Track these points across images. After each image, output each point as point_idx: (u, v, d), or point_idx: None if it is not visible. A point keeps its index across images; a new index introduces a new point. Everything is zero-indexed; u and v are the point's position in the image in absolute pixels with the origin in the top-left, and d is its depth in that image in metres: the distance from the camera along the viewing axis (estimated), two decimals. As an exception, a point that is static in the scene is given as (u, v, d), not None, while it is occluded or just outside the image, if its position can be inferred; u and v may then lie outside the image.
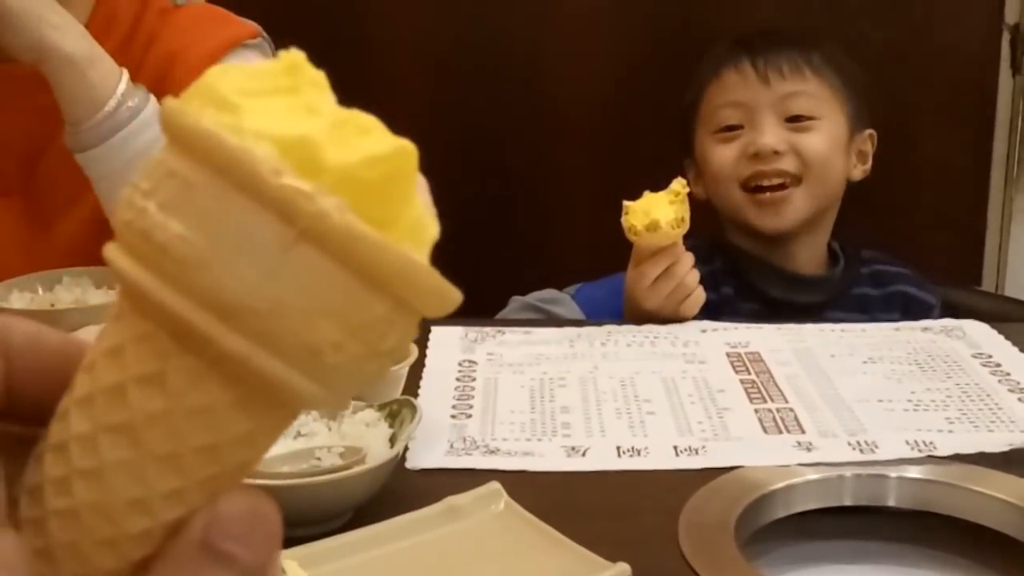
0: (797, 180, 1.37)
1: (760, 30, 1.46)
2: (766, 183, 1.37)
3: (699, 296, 1.22)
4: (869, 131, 1.44)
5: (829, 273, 1.44)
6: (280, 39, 1.43)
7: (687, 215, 1.18)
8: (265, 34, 1.42)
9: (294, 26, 1.83)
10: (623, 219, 1.18)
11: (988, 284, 1.93)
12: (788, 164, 1.36)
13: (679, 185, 1.19)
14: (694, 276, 1.22)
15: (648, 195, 1.19)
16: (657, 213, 1.16)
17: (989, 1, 1.88)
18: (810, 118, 1.37)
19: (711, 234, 1.46)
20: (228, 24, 1.38)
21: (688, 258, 1.22)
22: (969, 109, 1.91)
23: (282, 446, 0.81)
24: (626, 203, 1.19)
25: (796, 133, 1.36)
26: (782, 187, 1.37)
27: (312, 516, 0.75)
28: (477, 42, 1.90)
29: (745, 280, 1.41)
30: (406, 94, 1.93)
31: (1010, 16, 1.88)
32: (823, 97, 1.38)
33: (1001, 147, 1.92)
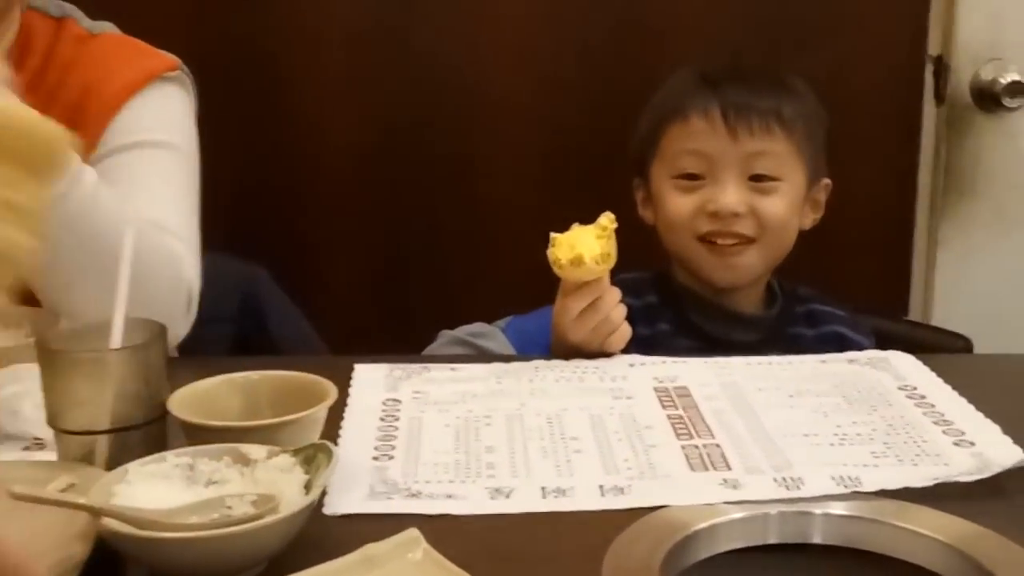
0: (751, 240, 1.36)
1: (730, 64, 1.43)
2: (721, 241, 1.36)
3: (625, 331, 1.21)
4: (825, 181, 1.44)
5: (766, 312, 1.43)
6: (196, 70, 1.41)
7: (613, 250, 1.17)
8: (185, 68, 1.39)
9: (215, 48, 1.80)
10: (549, 251, 1.17)
11: (915, 314, 1.94)
12: (746, 227, 1.35)
13: (607, 220, 1.18)
14: (620, 311, 1.21)
15: (576, 228, 1.18)
16: (582, 247, 1.15)
17: (912, 33, 1.91)
18: (773, 179, 1.36)
19: (654, 269, 1.45)
20: (147, 56, 1.35)
21: (614, 293, 1.21)
22: (894, 139, 1.93)
23: (192, 494, 0.78)
24: (553, 235, 1.18)
25: (757, 195, 1.35)
26: (736, 244, 1.36)
27: (223, 569, 0.73)
28: (406, 72, 1.89)
29: (683, 316, 1.41)
30: (330, 123, 1.91)
31: (933, 48, 1.91)
32: (787, 157, 1.37)
33: (926, 177, 1.94)
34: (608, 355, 1.19)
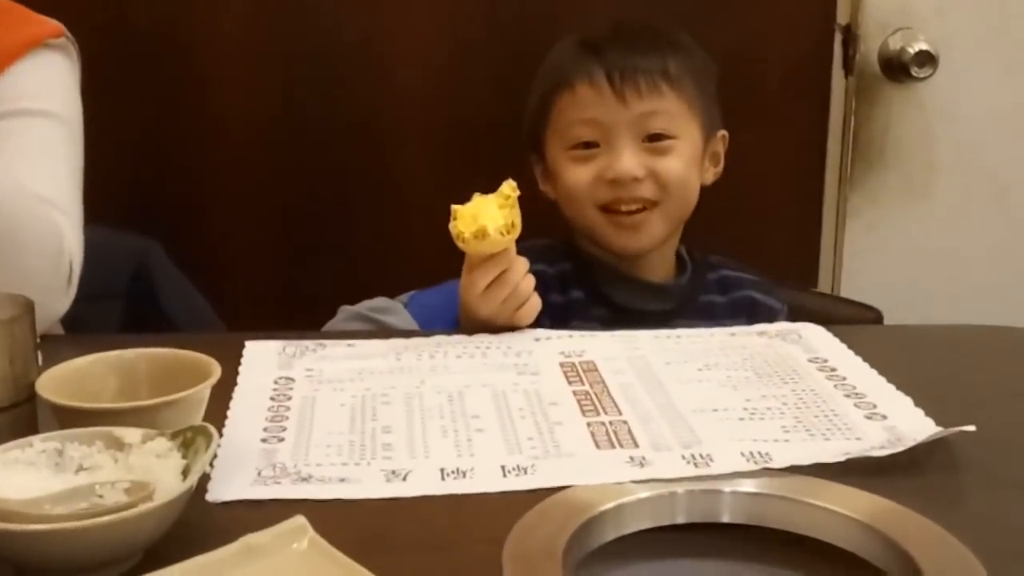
0: (654, 204, 1.34)
1: (611, 27, 1.39)
2: (624, 208, 1.33)
3: (534, 303, 1.17)
4: (722, 132, 1.42)
5: (676, 281, 1.41)
6: (88, 39, 1.34)
7: (518, 219, 1.13)
8: (69, 34, 1.32)
9: (117, 27, 1.73)
10: (451, 225, 1.12)
11: (824, 285, 1.94)
12: (646, 190, 1.33)
13: (509, 188, 1.13)
14: (529, 282, 1.17)
15: (477, 198, 1.13)
16: (485, 219, 1.11)
17: (821, 3, 1.89)
18: (668, 137, 1.33)
19: (564, 236, 1.42)
20: (29, 22, 1.29)
21: (521, 264, 1.16)
22: (804, 110, 1.92)
23: (60, 481, 0.72)
24: (454, 207, 1.13)
25: (654, 156, 1.33)
26: (639, 210, 1.33)
27: (92, 562, 0.67)
28: (308, 38, 1.83)
29: (594, 286, 1.37)
30: (237, 97, 1.84)
31: (842, 17, 1.89)
32: (680, 113, 1.34)
33: (835, 148, 1.93)
34: (516, 329, 1.15)
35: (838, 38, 1.90)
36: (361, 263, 1.87)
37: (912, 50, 1.85)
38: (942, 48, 1.86)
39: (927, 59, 1.85)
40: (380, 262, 1.87)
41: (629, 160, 1.31)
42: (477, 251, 1.13)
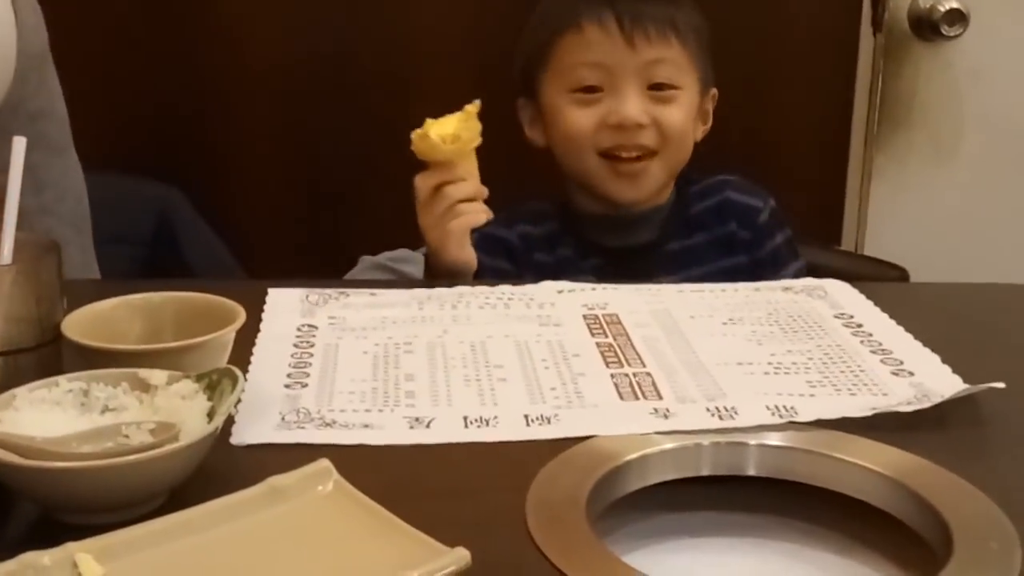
0: (654, 153, 1.33)
1: None
2: (624, 155, 1.32)
3: (468, 219, 1.17)
4: (713, 91, 1.41)
5: (657, 206, 1.39)
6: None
7: (470, 136, 1.14)
8: None
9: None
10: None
11: (848, 244, 1.92)
12: (648, 138, 1.32)
13: (471, 105, 1.14)
14: (471, 205, 1.17)
15: (446, 116, 1.16)
16: (434, 127, 1.13)
17: (851, -41, 1.87)
18: (672, 87, 1.32)
19: (555, 197, 1.40)
20: None
21: (468, 186, 1.17)
22: (830, 68, 1.90)
23: (85, 421, 0.72)
24: (426, 120, 1.15)
25: (657, 104, 1.32)
26: (639, 158, 1.33)
27: (118, 501, 0.67)
28: None
29: (584, 237, 1.37)
30: (262, 48, 1.83)
31: (871, -26, 1.87)
32: (683, 65, 1.33)
33: (861, 106, 1.91)
34: (453, 258, 1.18)
35: (868, -5, 1.87)
36: (383, 214, 1.86)
37: (943, 8, 1.83)
38: (973, 6, 1.83)
39: (957, 17, 1.82)
40: (401, 213, 1.87)
41: (634, 106, 1.30)
42: (420, 152, 1.15)
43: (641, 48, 1.30)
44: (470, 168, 1.17)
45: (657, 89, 1.32)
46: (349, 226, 1.88)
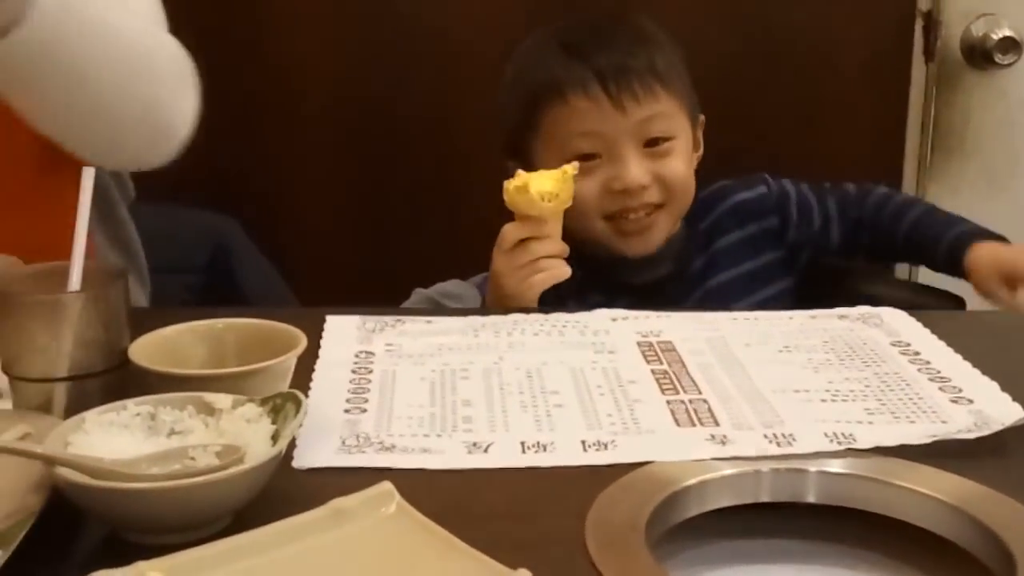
0: (659, 207, 1.33)
1: (587, 27, 1.36)
2: (632, 216, 1.33)
3: (540, 280, 1.18)
4: (701, 118, 1.40)
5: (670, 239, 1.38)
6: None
7: (566, 195, 1.16)
8: None
9: (190, 14, 1.74)
10: (505, 182, 1.17)
11: (902, 273, 1.91)
12: (653, 195, 1.32)
13: (569, 167, 1.17)
14: (552, 263, 1.18)
15: (541, 171, 1.18)
16: (533, 180, 1.15)
17: (902, -12, 1.87)
18: (667, 139, 1.32)
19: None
20: None
21: (553, 244, 1.18)
22: (882, 97, 1.89)
23: (152, 444, 0.74)
24: (518, 171, 1.19)
25: (656, 160, 1.31)
26: (647, 214, 1.33)
27: (184, 521, 0.69)
28: (385, 23, 1.84)
29: (610, 280, 1.36)
30: (315, 82, 1.86)
31: (923, 3, 1.86)
32: (674, 113, 1.33)
33: (914, 136, 1.91)
34: (522, 304, 1.18)
35: (919, 24, 1.87)
36: (434, 244, 1.88)
37: (996, 36, 1.82)
38: (1027, 35, 1.82)
39: (1011, 45, 1.82)
40: (452, 243, 1.88)
41: (635, 169, 1.29)
42: (514, 204, 1.17)
43: (631, 109, 1.29)
44: (556, 227, 1.19)
45: (653, 145, 1.31)
46: (400, 256, 1.90)
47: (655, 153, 1.31)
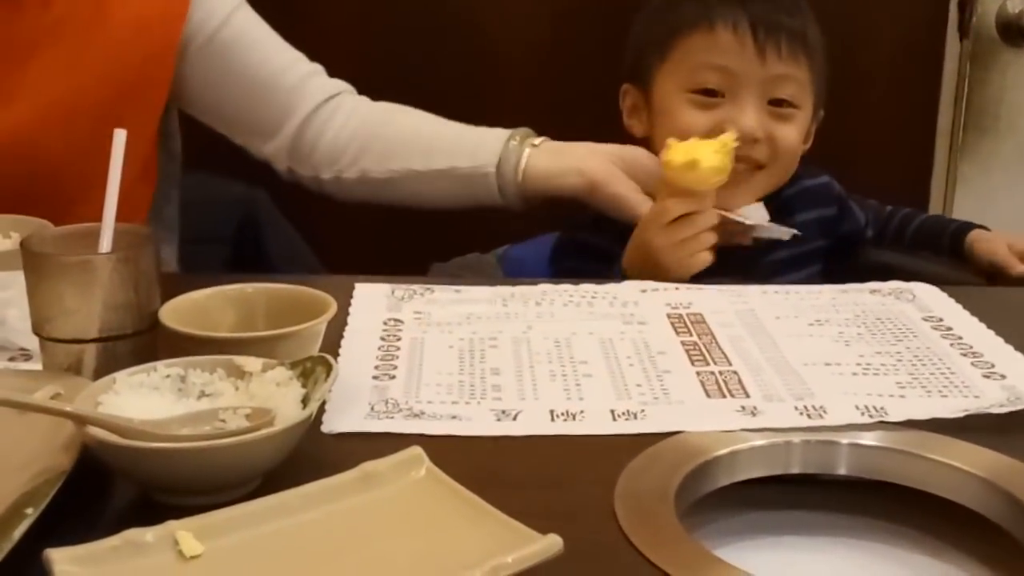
0: (761, 167, 1.30)
1: None
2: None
3: (706, 258, 1.17)
4: (821, 112, 1.38)
5: None
6: None
7: (728, 169, 1.15)
8: None
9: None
10: (663, 153, 1.15)
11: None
12: (760, 153, 1.29)
13: (728, 138, 1.16)
14: (712, 237, 1.17)
15: (695, 140, 1.16)
16: (700, 154, 1.12)
17: (937, -36, 1.84)
18: (792, 106, 1.30)
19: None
20: None
21: (712, 216, 1.17)
22: (916, 74, 1.87)
23: (183, 406, 0.74)
24: (670, 140, 1.16)
25: (774, 121, 1.29)
26: (746, 170, 1.29)
27: (214, 483, 0.69)
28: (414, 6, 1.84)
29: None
30: (338, 51, 1.85)
31: (958, -21, 1.84)
32: (806, 85, 1.31)
33: (947, 114, 1.88)
34: (679, 279, 1.15)
35: (955, 1, 1.85)
36: (459, 217, 1.87)
37: (1032, 13, 1.80)
38: (1063, 12, 1.80)
39: (1047, 23, 1.79)
40: (478, 217, 1.88)
41: (753, 119, 1.27)
42: (682, 182, 1.14)
43: (771, 62, 1.27)
44: (712, 202, 1.17)
45: (777, 105, 1.29)
46: (426, 227, 1.89)
47: (776, 114, 1.29)
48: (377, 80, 1.83)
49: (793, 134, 1.30)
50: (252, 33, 1.30)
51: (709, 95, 1.29)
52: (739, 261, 1.26)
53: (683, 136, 1.22)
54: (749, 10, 1.27)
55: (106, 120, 0.89)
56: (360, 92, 1.85)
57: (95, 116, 1.18)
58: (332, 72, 1.82)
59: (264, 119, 1.32)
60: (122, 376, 0.75)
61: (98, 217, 0.84)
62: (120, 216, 0.84)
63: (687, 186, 1.14)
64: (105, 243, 0.83)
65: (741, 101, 1.28)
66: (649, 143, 1.33)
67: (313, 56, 1.81)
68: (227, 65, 1.28)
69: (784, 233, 1.25)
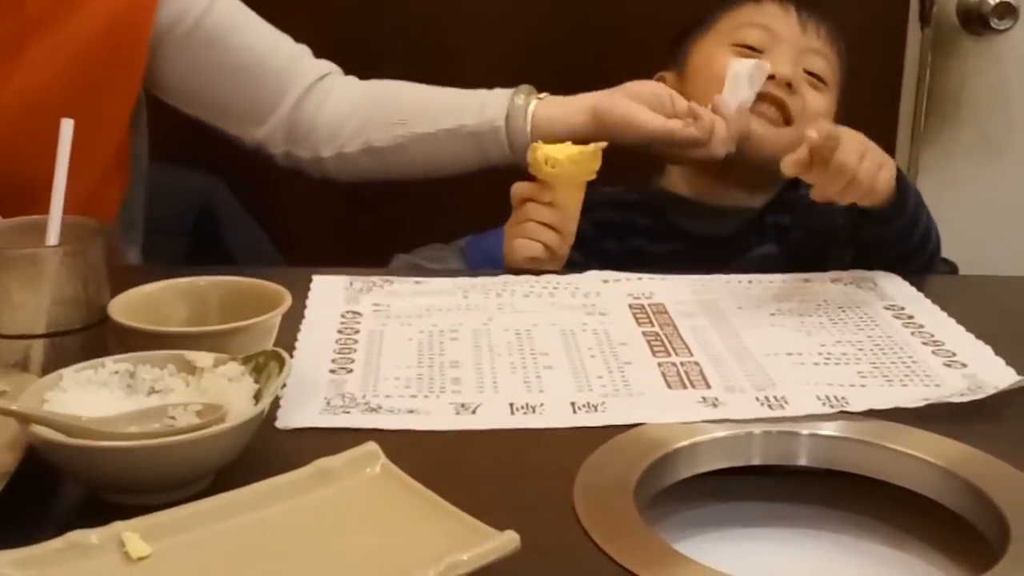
0: (789, 124, 1.27)
1: None
2: (764, 106, 1.27)
3: (527, 245, 1.14)
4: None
5: (747, 203, 1.34)
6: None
7: (577, 170, 1.12)
8: None
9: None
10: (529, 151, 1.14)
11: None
12: (793, 103, 1.27)
13: (595, 145, 1.12)
14: (542, 231, 1.14)
15: (567, 143, 1.14)
16: (552, 149, 1.12)
17: (898, -48, 1.84)
18: (822, 81, 1.30)
19: (644, 186, 1.37)
20: None
21: (546, 211, 1.14)
22: (877, 62, 1.87)
23: (132, 403, 0.72)
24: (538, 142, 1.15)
25: (808, 86, 1.29)
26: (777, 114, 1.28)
27: (164, 482, 0.67)
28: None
29: (664, 222, 1.32)
30: (300, 40, 1.83)
31: (919, -34, 1.84)
32: (833, 73, 1.32)
33: (908, 102, 1.88)
34: (510, 262, 1.15)
35: (915, -12, 1.84)
36: (421, 207, 1.85)
37: (992, 1, 1.79)
38: None
39: (1007, 11, 1.79)
40: (438, 207, 1.86)
41: (791, 66, 1.26)
42: (530, 162, 1.13)
43: (810, 35, 1.29)
44: (567, 201, 1.14)
45: (810, 75, 1.29)
46: (387, 219, 1.87)
47: (810, 81, 1.29)
48: (336, 54, 1.82)
49: (821, 101, 1.30)
50: (236, 18, 1.28)
51: (750, 50, 1.28)
52: (726, 248, 1.26)
53: (721, 76, 1.23)
54: None
55: (76, 115, 0.87)
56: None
57: (64, 112, 1.15)
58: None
59: (256, 103, 1.29)
60: (69, 372, 0.73)
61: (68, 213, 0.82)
62: (90, 216, 0.82)
63: (533, 173, 1.14)
64: (52, 236, 0.81)
65: (780, 56, 1.27)
66: None
67: (279, 20, 1.79)
68: (213, 52, 1.26)
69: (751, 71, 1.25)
